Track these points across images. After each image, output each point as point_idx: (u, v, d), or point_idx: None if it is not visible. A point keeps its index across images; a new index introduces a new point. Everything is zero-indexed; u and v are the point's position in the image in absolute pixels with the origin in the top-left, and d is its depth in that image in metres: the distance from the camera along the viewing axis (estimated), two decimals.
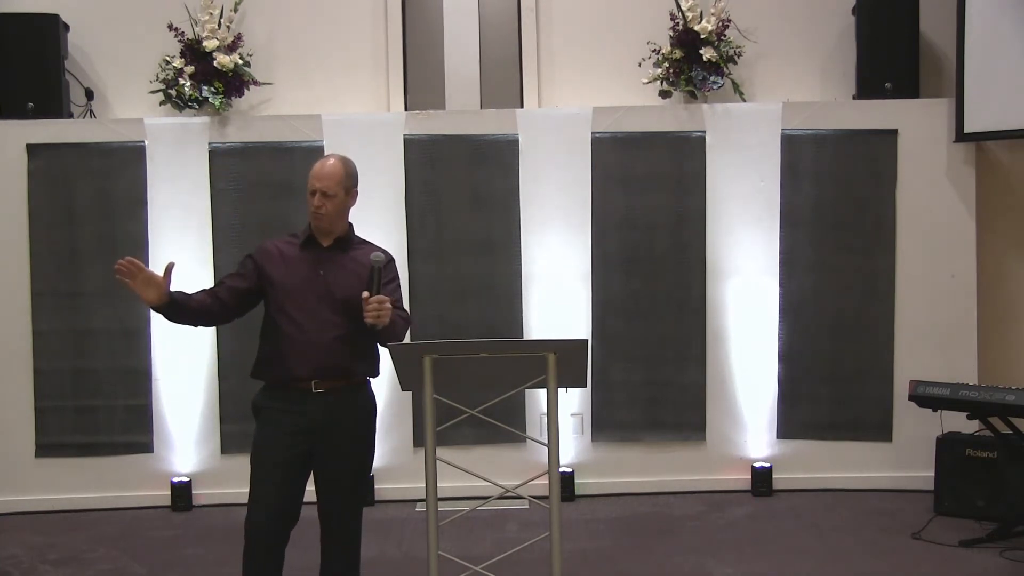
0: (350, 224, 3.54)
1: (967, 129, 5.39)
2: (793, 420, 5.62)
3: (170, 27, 5.51)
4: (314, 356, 3.33)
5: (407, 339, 5.34)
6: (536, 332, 5.55)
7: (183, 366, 5.53)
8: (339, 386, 3.38)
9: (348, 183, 3.46)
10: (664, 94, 5.68)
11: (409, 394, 5.16)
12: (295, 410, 3.36)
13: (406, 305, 5.43)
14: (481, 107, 5.83)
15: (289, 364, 3.35)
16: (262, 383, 3.48)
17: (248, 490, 3.39)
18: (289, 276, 3.42)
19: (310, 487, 3.44)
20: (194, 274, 5.50)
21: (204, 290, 3.53)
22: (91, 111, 5.79)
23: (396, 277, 3.56)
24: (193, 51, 5.50)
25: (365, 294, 3.23)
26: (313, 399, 3.35)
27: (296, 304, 3.38)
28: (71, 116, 5.63)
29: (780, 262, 5.60)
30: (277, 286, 3.41)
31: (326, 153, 5.40)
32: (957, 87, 5.42)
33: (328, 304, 3.38)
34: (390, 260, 3.54)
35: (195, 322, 3.53)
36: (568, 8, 5.91)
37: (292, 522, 3.39)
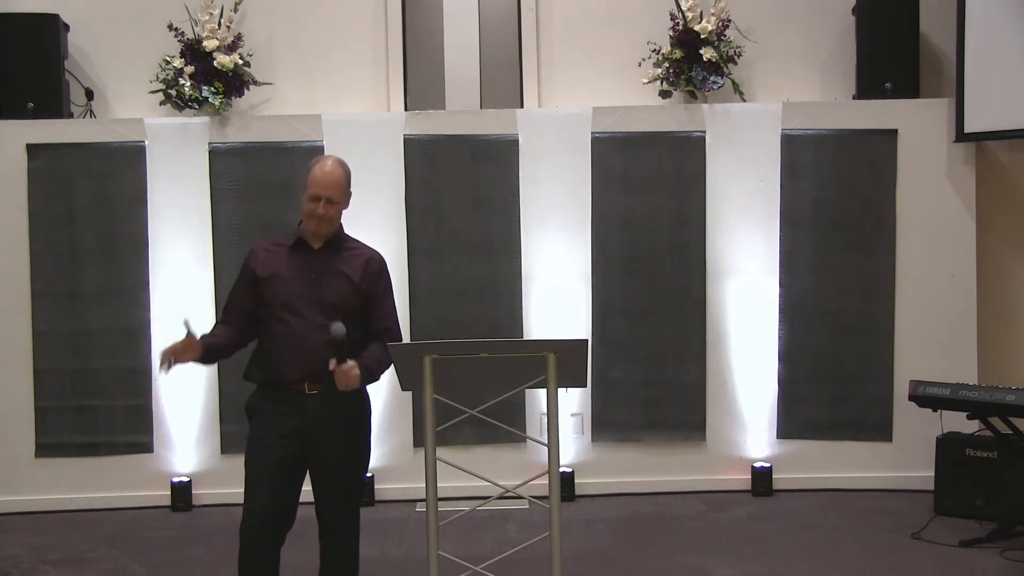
0: (340, 224, 3.51)
1: (967, 129, 5.38)
2: (793, 420, 5.62)
3: (170, 27, 5.51)
4: (305, 359, 3.31)
5: (407, 339, 5.39)
6: (536, 332, 5.55)
7: (183, 366, 5.51)
8: (332, 387, 3.35)
9: (348, 188, 3.44)
10: (664, 94, 5.68)
11: (409, 394, 5.16)
12: (288, 411, 3.35)
13: (406, 305, 5.49)
14: (481, 107, 5.83)
15: (280, 367, 3.34)
16: (255, 385, 3.47)
17: (244, 492, 3.38)
18: (280, 279, 3.39)
19: (307, 487, 3.44)
20: (194, 274, 5.51)
21: (220, 324, 3.54)
22: (91, 111, 5.79)
23: (389, 285, 3.53)
24: (193, 51, 5.50)
25: (332, 363, 3.20)
26: (306, 400, 3.34)
27: (287, 307, 3.36)
28: (71, 116, 5.63)
29: (780, 262, 5.60)
30: (268, 289, 3.39)
31: (326, 153, 5.44)
32: (957, 87, 5.42)
33: (319, 307, 3.35)
34: (383, 266, 3.51)
35: (229, 355, 3.55)
36: (568, 8, 5.91)
37: (288, 524, 3.39)
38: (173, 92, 5.54)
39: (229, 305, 3.53)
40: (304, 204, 3.39)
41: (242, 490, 3.40)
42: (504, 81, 5.92)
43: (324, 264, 3.41)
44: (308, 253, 3.43)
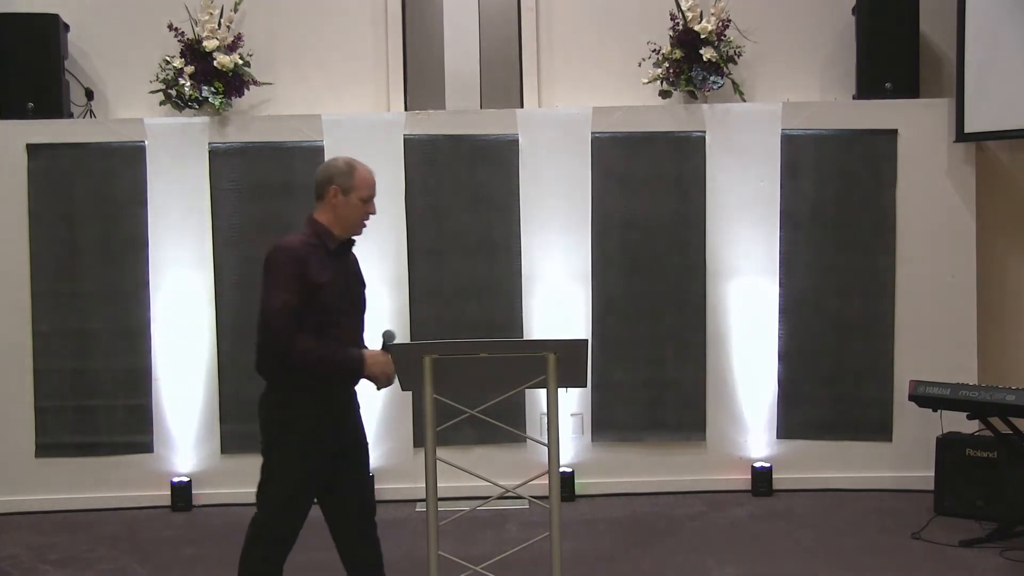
0: None
1: (967, 129, 5.38)
2: (793, 420, 5.62)
3: (170, 27, 5.51)
4: None
5: (406, 339, 5.39)
6: (536, 332, 5.54)
7: (183, 366, 5.53)
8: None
9: None
10: (664, 94, 5.68)
11: (409, 394, 5.16)
12: (331, 416, 3.35)
13: (406, 305, 5.49)
14: (481, 107, 5.83)
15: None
16: (279, 391, 3.33)
17: (279, 493, 3.33)
18: (334, 286, 3.33)
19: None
20: (194, 274, 5.51)
21: (306, 334, 3.26)
22: (91, 111, 5.79)
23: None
24: (193, 51, 5.50)
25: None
26: (347, 401, 3.42)
27: (341, 311, 3.36)
28: (71, 116, 5.63)
29: (780, 262, 5.60)
30: (328, 296, 3.30)
31: (327, 152, 5.46)
32: (957, 87, 5.42)
33: (356, 308, 3.45)
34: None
35: None
36: (568, 8, 5.91)
37: None
38: (173, 92, 5.54)
39: (299, 308, 3.22)
40: (355, 207, 3.35)
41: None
42: (504, 81, 5.92)
43: (352, 268, 3.48)
44: (342, 257, 3.41)
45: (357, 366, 3.27)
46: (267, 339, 3.25)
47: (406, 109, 5.80)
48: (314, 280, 3.25)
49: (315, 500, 3.43)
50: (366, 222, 3.42)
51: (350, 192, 3.35)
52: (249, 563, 3.36)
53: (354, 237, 3.45)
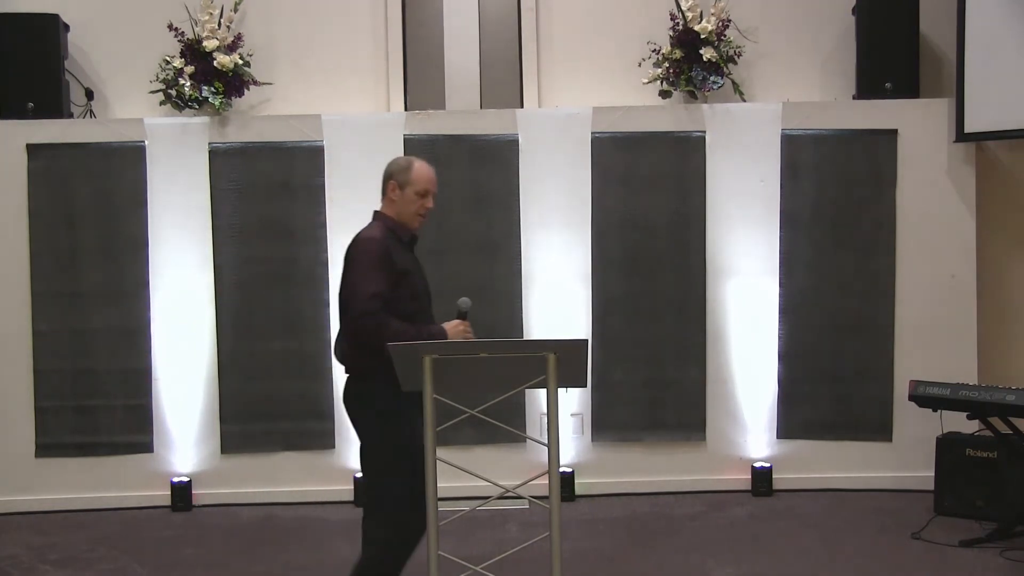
0: None
1: (967, 129, 5.38)
2: (793, 420, 5.62)
3: (170, 27, 5.51)
4: None
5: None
6: (536, 332, 5.54)
7: (183, 366, 5.53)
8: None
9: None
10: (664, 94, 5.68)
11: None
12: (419, 409, 3.37)
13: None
14: (481, 107, 5.83)
15: None
16: (361, 380, 3.45)
17: (399, 483, 3.37)
18: (414, 277, 3.50)
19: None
20: (194, 274, 5.51)
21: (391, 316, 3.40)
22: (91, 111, 5.79)
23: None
24: (193, 51, 5.50)
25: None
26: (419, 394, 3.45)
27: (426, 305, 3.55)
28: (71, 116, 5.63)
29: (780, 262, 5.60)
30: (412, 286, 3.47)
31: (327, 152, 5.47)
32: (957, 87, 5.42)
33: (429, 297, 3.58)
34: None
35: None
36: (568, 8, 5.91)
37: None
38: (173, 92, 5.54)
39: (388, 295, 3.37)
40: (410, 200, 3.55)
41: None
42: (504, 81, 5.92)
43: (419, 261, 3.61)
44: (412, 249, 3.59)
45: (441, 338, 3.40)
46: (357, 326, 3.35)
47: (406, 109, 5.80)
48: (400, 268, 3.43)
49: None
50: (422, 215, 3.58)
51: (406, 186, 3.55)
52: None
53: (416, 233, 3.60)
